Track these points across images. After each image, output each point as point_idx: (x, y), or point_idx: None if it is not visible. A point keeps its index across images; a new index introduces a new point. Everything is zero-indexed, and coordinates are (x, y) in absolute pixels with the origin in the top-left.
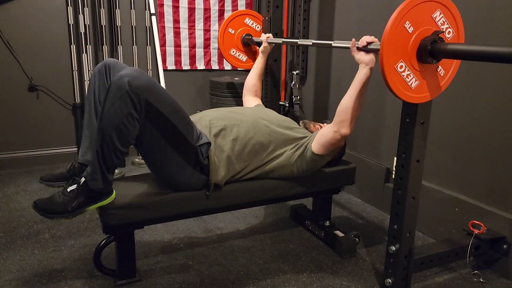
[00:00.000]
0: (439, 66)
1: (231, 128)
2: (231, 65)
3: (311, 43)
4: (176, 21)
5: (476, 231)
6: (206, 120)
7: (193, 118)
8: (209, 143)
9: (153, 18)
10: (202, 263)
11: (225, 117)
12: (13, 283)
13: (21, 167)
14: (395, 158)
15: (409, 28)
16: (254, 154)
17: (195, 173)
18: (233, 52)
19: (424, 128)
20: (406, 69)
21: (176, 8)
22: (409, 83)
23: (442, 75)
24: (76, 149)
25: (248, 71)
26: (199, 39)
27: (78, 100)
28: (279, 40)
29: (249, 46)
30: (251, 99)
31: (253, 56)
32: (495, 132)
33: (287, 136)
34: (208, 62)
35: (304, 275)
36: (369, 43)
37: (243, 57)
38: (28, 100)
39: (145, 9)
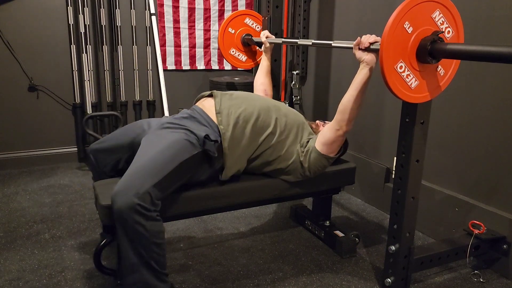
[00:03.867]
0: (439, 66)
1: (249, 116)
2: (231, 65)
3: (311, 43)
4: (176, 21)
5: (476, 231)
6: (229, 105)
7: (222, 92)
8: (211, 139)
9: (153, 18)
10: (202, 263)
11: (248, 105)
12: (13, 283)
13: (21, 167)
14: (395, 158)
15: (408, 28)
16: (266, 143)
17: (206, 169)
18: (233, 51)
19: (423, 128)
20: (406, 69)
21: (176, 8)
22: (409, 83)
23: (441, 75)
24: (76, 149)
25: (247, 71)
26: (199, 39)
27: (78, 100)
28: (279, 40)
29: (249, 46)
30: None
31: (253, 56)
32: (495, 132)
33: (298, 134)
34: (208, 62)
35: (304, 275)
36: (371, 44)
37: (243, 57)
38: (28, 100)
39: (145, 9)
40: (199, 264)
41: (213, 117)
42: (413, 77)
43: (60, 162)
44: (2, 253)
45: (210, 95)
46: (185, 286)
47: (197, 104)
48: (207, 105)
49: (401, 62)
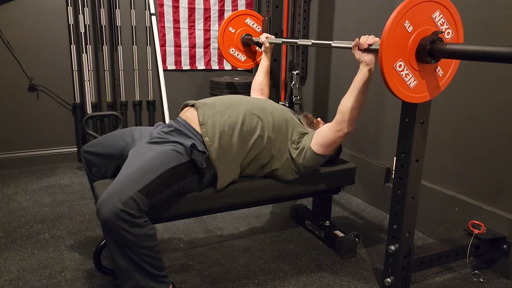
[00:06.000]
0: (438, 66)
1: (235, 123)
2: (230, 65)
3: (310, 43)
4: (176, 21)
5: (476, 231)
6: (213, 115)
7: (204, 101)
8: (198, 150)
9: (153, 18)
10: (202, 263)
11: (231, 111)
12: (13, 283)
13: (21, 167)
14: (395, 158)
15: (408, 27)
16: (256, 147)
17: (198, 179)
18: (232, 51)
19: (423, 128)
20: (405, 69)
21: (176, 8)
22: (408, 83)
23: (441, 75)
24: (76, 149)
25: (247, 71)
26: (199, 39)
27: (78, 100)
28: (279, 40)
29: (249, 46)
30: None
31: (252, 56)
32: (495, 132)
33: (288, 131)
34: (208, 62)
35: (304, 275)
36: (370, 45)
37: (242, 57)
38: (28, 100)
39: (145, 9)
40: (199, 264)
41: (197, 128)
42: (412, 76)
43: (60, 162)
44: (2, 253)
45: (193, 105)
46: (185, 286)
47: (180, 115)
48: (190, 116)
49: (401, 61)
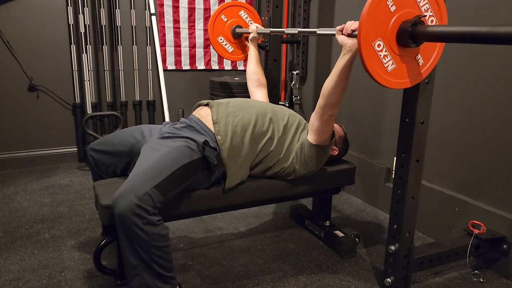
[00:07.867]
0: (419, 54)
1: (247, 124)
2: (230, 64)
3: (297, 31)
4: (176, 21)
5: (476, 231)
6: (226, 114)
7: (219, 101)
8: (210, 146)
9: (153, 18)
10: (202, 263)
11: (244, 112)
12: (13, 283)
13: (21, 167)
14: (395, 158)
15: (391, 6)
16: (265, 149)
17: (207, 176)
18: (221, 39)
19: (423, 128)
20: (384, 49)
21: (176, 8)
22: (386, 65)
23: (421, 64)
24: (76, 149)
25: (245, 71)
26: (199, 39)
27: (78, 100)
28: (267, 30)
29: (239, 38)
30: (256, 91)
31: (242, 48)
32: (495, 132)
33: (296, 135)
34: (208, 62)
35: (304, 275)
36: (354, 31)
37: (230, 48)
38: (28, 100)
39: (145, 9)
40: (199, 264)
41: (210, 126)
42: (391, 59)
43: (60, 162)
44: (2, 253)
45: (207, 104)
46: (185, 286)
47: (193, 113)
48: (203, 114)
49: (380, 40)
